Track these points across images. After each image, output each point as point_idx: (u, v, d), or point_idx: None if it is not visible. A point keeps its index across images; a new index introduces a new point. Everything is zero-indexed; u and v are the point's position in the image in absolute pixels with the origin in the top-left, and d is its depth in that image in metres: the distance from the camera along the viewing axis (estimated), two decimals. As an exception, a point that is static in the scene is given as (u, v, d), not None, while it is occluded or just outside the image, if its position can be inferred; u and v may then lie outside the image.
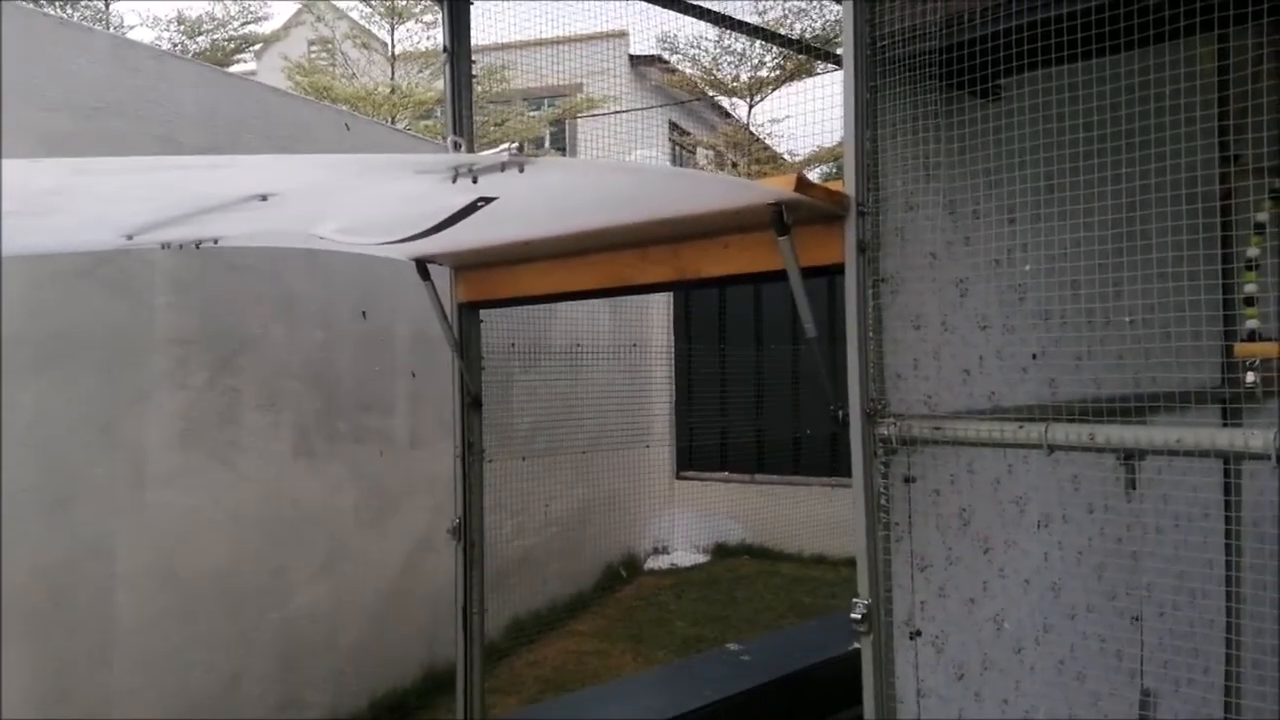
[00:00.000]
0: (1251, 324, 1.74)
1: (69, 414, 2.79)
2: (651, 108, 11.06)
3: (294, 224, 1.83)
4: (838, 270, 1.75)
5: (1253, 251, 1.79)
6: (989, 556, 2.06)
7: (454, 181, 1.29)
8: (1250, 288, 1.78)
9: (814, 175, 10.50)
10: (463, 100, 2.57)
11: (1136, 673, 2.61)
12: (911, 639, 1.82)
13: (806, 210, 1.70)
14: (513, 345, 2.90)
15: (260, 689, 3.43)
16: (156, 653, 3.03)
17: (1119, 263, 2.30)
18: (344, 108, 10.23)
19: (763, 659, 3.67)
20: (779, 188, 1.62)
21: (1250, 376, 1.73)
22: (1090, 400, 2.38)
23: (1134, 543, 2.63)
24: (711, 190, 1.66)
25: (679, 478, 7.11)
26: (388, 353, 4.10)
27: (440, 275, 2.56)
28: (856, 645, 3.97)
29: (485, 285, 2.50)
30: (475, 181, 1.29)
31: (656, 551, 6.95)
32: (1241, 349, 1.74)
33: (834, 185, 1.72)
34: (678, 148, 12.27)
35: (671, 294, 6.69)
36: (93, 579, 2.87)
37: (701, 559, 6.97)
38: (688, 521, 6.98)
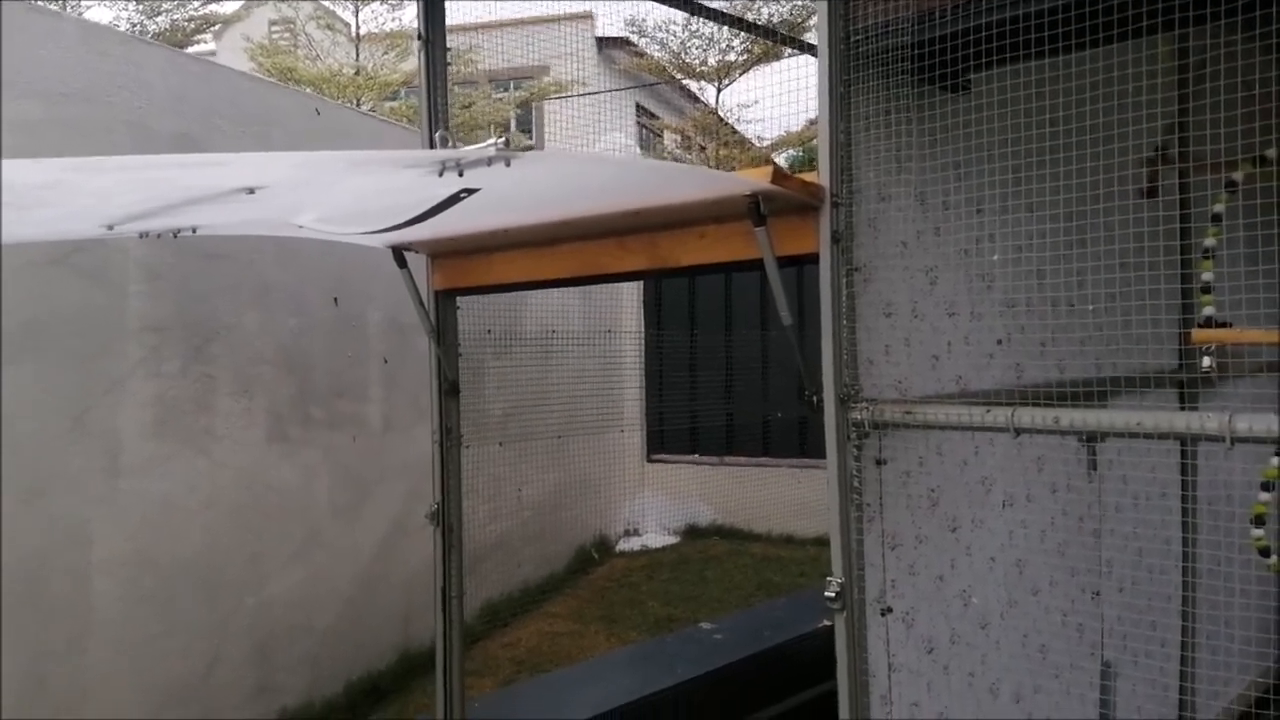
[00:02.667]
0: (1208, 311, 1.82)
1: (43, 403, 2.78)
2: (619, 90, 11.05)
3: (275, 214, 1.84)
4: (812, 260, 1.80)
5: (1209, 241, 1.87)
6: (956, 535, 2.13)
7: (440, 175, 1.32)
8: (1207, 276, 1.85)
9: (782, 159, 10.56)
10: (438, 90, 2.58)
11: (1097, 645, 2.70)
12: (883, 615, 1.88)
13: (782, 201, 1.74)
14: (489, 331, 2.92)
15: (236, 674, 3.45)
16: (132, 639, 3.04)
17: (1082, 253, 2.38)
18: (309, 90, 10.13)
19: (734, 637, 3.73)
20: (756, 179, 1.66)
21: (1206, 361, 1.81)
22: (1054, 384, 2.46)
23: (1094, 521, 2.72)
24: (690, 181, 1.70)
25: (650, 461, 7.17)
26: (360, 339, 4.10)
27: (416, 263, 2.58)
28: (826, 622, 4.05)
29: (462, 273, 2.53)
30: (461, 175, 1.32)
31: (628, 533, 7.02)
32: (1198, 334, 1.81)
33: (809, 176, 1.76)
34: (645, 131, 12.27)
35: (642, 280, 6.73)
36: (69, 567, 2.87)
37: (672, 540, 7.04)
38: (659, 504, 7.05)
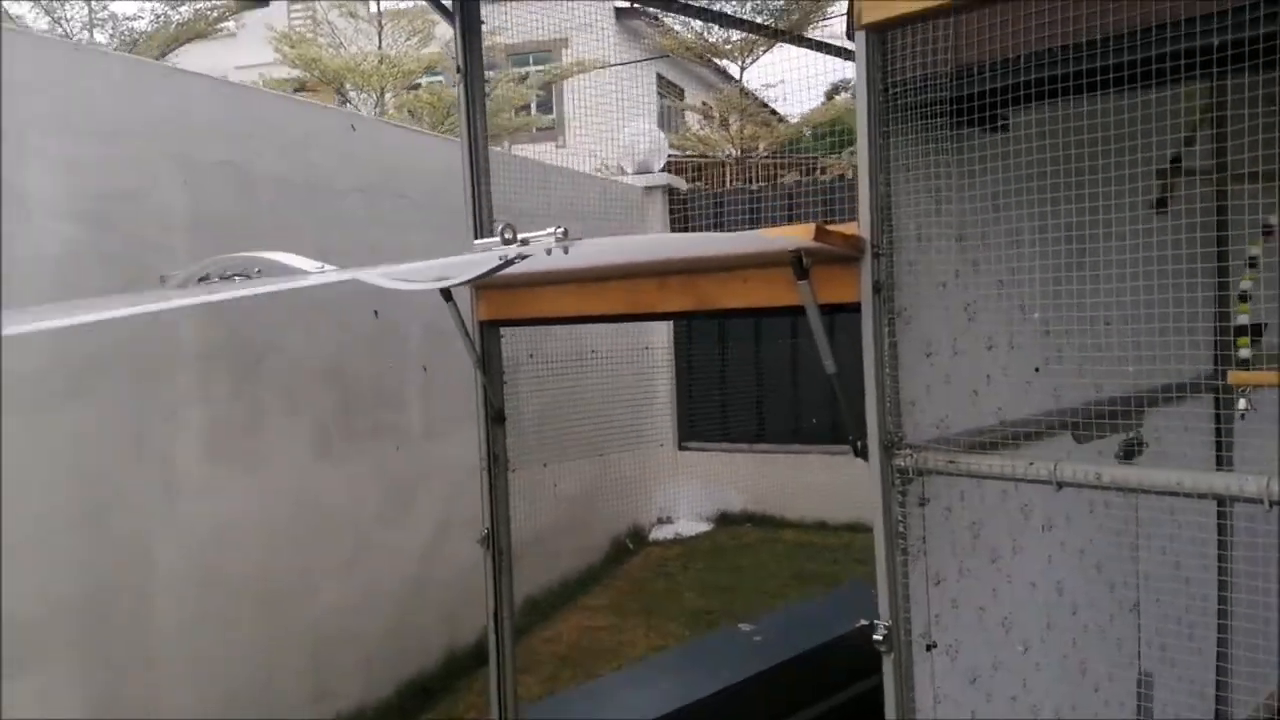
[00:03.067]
0: (1244, 354, 1.84)
1: (104, 432, 2.88)
2: (640, 61, 10.99)
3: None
4: (854, 309, 1.84)
5: (1245, 284, 1.89)
6: (997, 565, 2.18)
7: (500, 259, 1.37)
8: (1242, 318, 1.88)
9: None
10: (478, 120, 2.63)
11: (1135, 657, 2.75)
12: (928, 650, 1.94)
13: (824, 253, 1.78)
14: (530, 357, 2.99)
15: (294, 682, 3.57)
16: (195, 653, 3.16)
17: (1121, 273, 2.41)
18: (334, 84, 10.18)
19: (774, 639, 3.80)
20: (799, 237, 1.71)
21: (1242, 403, 1.84)
22: (1092, 403, 2.50)
23: (1131, 535, 2.76)
24: (737, 245, 1.74)
25: (681, 448, 7.23)
26: (400, 348, 4.18)
27: (461, 293, 2.64)
28: (863, 622, 4.12)
29: (506, 305, 2.58)
30: (521, 259, 1.37)
31: (661, 522, 7.11)
32: (1235, 377, 1.84)
33: (849, 229, 1.80)
34: (669, 109, 12.23)
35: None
36: (134, 586, 2.98)
37: (705, 528, 7.13)
38: (691, 492, 7.13)
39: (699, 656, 3.70)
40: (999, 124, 1.95)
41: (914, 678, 1.87)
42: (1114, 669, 2.63)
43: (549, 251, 1.33)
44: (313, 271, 1.39)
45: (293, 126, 3.54)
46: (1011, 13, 1.68)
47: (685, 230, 6.73)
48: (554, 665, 4.67)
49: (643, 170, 7.07)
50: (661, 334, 6.55)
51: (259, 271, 2.07)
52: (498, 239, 1.36)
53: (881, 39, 1.78)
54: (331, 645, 3.75)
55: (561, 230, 1.34)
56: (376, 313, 4.02)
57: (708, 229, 6.54)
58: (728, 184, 10.43)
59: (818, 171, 9.28)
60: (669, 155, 7.34)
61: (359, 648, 3.92)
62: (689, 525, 7.10)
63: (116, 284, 2.87)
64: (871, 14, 1.74)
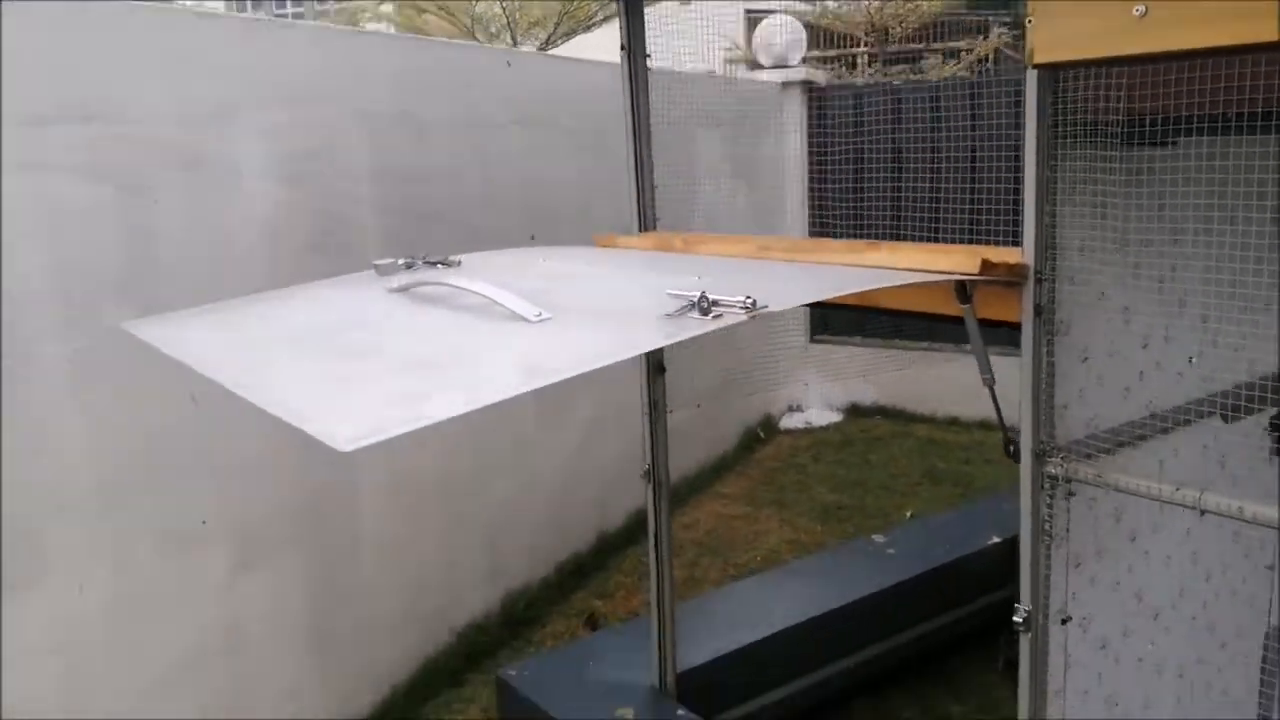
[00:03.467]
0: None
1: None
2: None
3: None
4: (1014, 327, 1.96)
5: None
6: (1135, 543, 2.33)
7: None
8: None
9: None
10: (640, 96, 2.76)
11: (1264, 613, 2.87)
12: (1063, 624, 2.14)
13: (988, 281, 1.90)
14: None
15: (472, 565, 4.05)
16: (393, 542, 3.62)
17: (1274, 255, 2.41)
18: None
19: (906, 551, 4.05)
20: (965, 268, 1.83)
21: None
22: (1243, 386, 2.54)
23: (1274, 499, 2.82)
24: (909, 279, 1.86)
25: (813, 341, 7.35)
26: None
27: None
28: (995, 539, 4.31)
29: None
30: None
31: (791, 410, 7.33)
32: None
33: (1013, 257, 1.90)
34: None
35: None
36: (340, 491, 3.41)
37: (836, 418, 7.33)
38: (822, 381, 7.27)
39: (835, 566, 3.98)
40: (1168, 142, 1.97)
41: (1049, 650, 2.08)
42: (1242, 625, 2.77)
43: (744, 316, 1.51)
44: (531, 319, 1.59)
45: (457, 70, 3.71)
46: (1181, 74, 1.70)
47: (823, 129, 6.63)
48: (694, 552, 5.06)
49: (779, 64, 6.94)
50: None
51: (459, 262, 2.31)
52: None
53: (1053, 77, 1.82)
54: (501, 532, 4.20)
55: (750, 300, 1.51)
56: (533, 237, 4.26)
57: (846, 127, 6.42)
58: (862, 72, 10.04)
59: (961, 55, 8.85)
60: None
61: (524, 534, 4.37)
62: (819, 415, 7.32)
63: (315, 234, 3.18)
64: (1044, 55, 1.78)
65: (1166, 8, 1.65)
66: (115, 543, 2.61)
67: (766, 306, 1.53)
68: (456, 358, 1.46)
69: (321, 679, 3.30)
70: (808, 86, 6.73)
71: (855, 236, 6.85)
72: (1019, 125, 1.93)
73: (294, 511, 3.13)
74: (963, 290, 1.88)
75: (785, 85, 6.71)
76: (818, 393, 7.32)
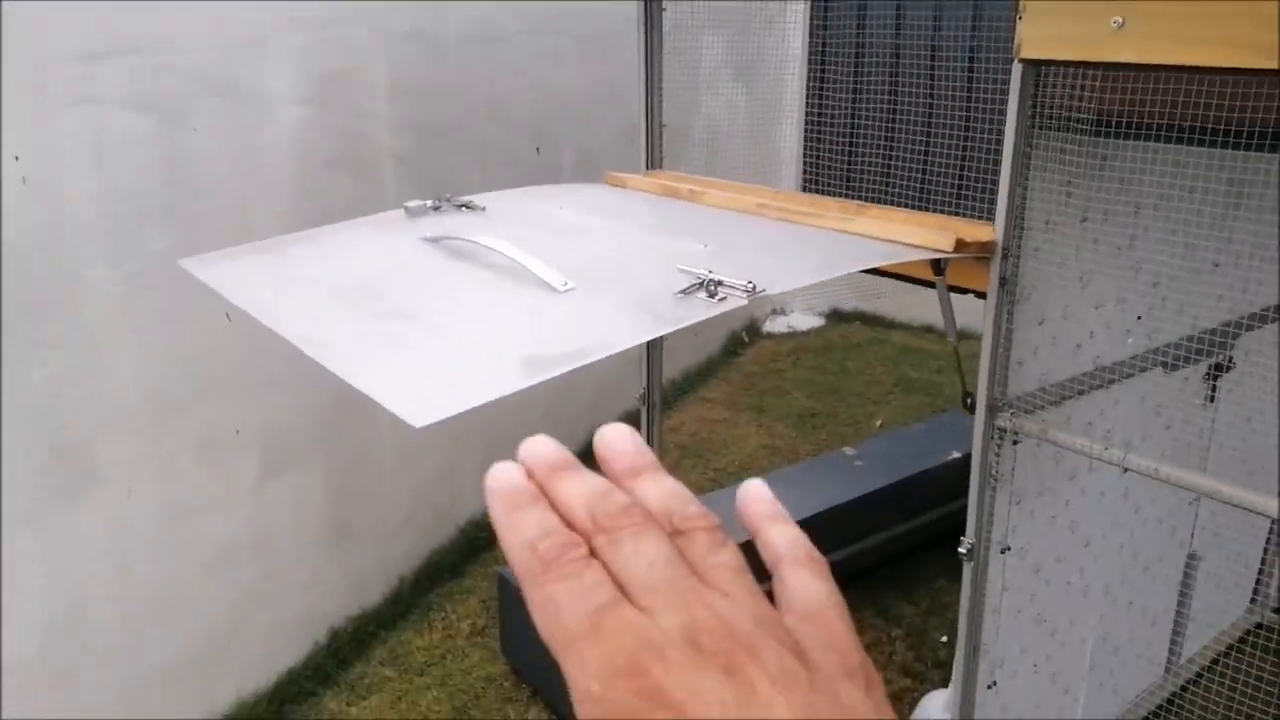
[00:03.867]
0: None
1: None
2: None
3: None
4: (980, 294, 2.20)
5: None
6: (1074, 480, 2.63)
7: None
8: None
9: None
10: (654, 41, 2.90)
11: (1186, 543, 3.22)
12: (1002, 553, 2.46)
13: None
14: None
15: (472, 468, 4.34)
16: (402, 451, 3.90)
17: (1233, 214, 2.66)
18: None
19: (873, 465, 4.38)
20: (941, 245, 2.06)
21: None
22: (1184, 338, 2.81)
23: (1205, 441, 3.14)
24: (884, 255, 2.09)
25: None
26: (555, 177, 4.59)
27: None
28: (955, 454, 4.65)
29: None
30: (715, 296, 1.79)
31: (775, 313, 7.58)
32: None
33: (985, 234, 2.13)
34: None
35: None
36: (361, 417, 3.66)
37: (817, 323, 7.60)
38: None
39: (808, 477, 4.31)
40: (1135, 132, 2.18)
41: (987, 576, 2.40)
42: (1165, 551, 3.12)
43: (746, 298, 1.75)
44: (559, 289, 1.82)
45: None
46: (1152, 83, 1.90)
47: (824, 38, 6.65)
48: (677, 454, 5.39)
49: (788, -40, 6.90)
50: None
51: (484, 208, 2.51)
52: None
53: (1036, 71, 2.01)
54: (500, 434, 4.46)
55: (751, 284, 1.75)
56: (539, 150, 4.41)
57: (848, 36, 6.45)
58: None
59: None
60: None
61: (522, 435, 4.60)
62: (802, 319, 7.58)
63: (335, 151, 3.34)
64: (1030, 51, 1.97)
65: (1142, 23, 1.84)
66: (159, 452, 2.86)
67: (765, 291, 1.77)
68: (501, 330, 1.69)
69: (339, 572, 3.63)
70: (808, -11, 6.72)
71: (850, 144, 6.98)
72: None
73: (316, 420, 3.39)
74: (936, 263, 2.11)
75: (788, -11, 6.71)
76: (801, 296, 7.56)
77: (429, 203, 2.52)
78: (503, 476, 0.36)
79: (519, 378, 1.49)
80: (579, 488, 0.36)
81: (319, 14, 3.17)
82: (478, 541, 4.28)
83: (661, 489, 0.37)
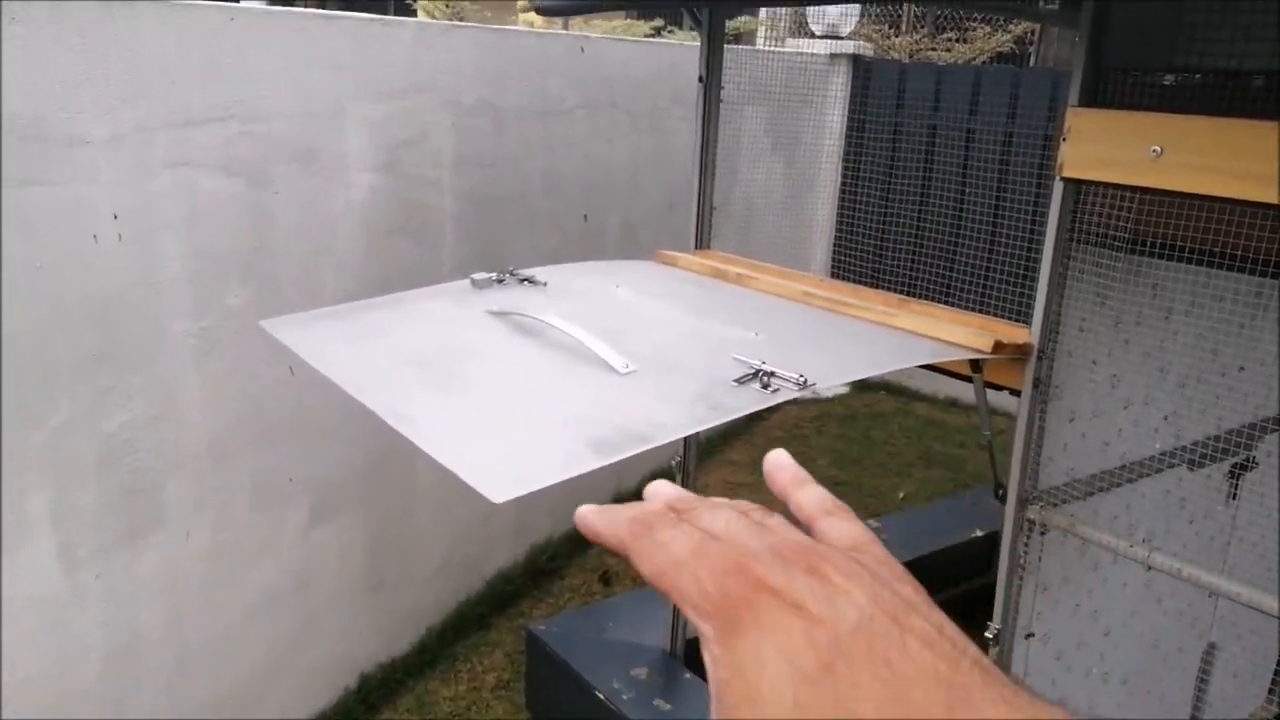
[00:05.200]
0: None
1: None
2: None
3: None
4: (1015, 392, 2.32)
5: (1351, 420, 2.26)
6: (1098, 572, 2.72)
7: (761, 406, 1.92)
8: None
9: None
10: (711, 124, 3.06)
11: (1206, 633, 3.28)
12: (1026, 639, 2.54)
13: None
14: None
15: (503, 521, 4.46)
16: (441, 503, 4.02)
17: (1261, 319, 2.76)
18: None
19: (895, 538, 4.46)
20: (980, 345, 2.18)
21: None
22: (1210, 438, 2.91)
23: (1225, 537, 3.21)
24: (924, 350, 2.21)
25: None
26: (600, 245, 4.76)
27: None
28: (976, 533, 4.71)
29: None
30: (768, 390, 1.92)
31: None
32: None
33: (1021, 337, 2.25)
34: None
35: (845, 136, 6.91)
36: (400, 458, 3.79)
37: (842, 390, 7.70)
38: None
39: (831, 547, 4.39)
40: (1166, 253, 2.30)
41: (1011, 661, 2.48)
42: (1184, 642, 3.18)
43: (799, 390, 1.87)
44: (621, 371, 1.95)
45: (536, 59, 4.00)
46: (1186, 208, 2.03)
47: (864, 103, 6.85)
48: (701, 516, 5.47)
49: (830, 35, 7.12)
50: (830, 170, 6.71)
51: (545, 283, 2.65)
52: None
53: (1076, 190, 2.15)
54: (536, 500, 4.59)
55: (802, 378, 1.87)
56: (586, 217, 4.58)
57: (890, 101, 6.66)
58: (909, 31, 10.18)
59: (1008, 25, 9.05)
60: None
61: (549, 492, 4.76)
62: (827, 387, 7.67)
63: (400, 217, 3.51)
64: (1071, 170, 2.11)
65: (1179, 154, 1.98)
66: (218, 497, 3.00)
67: (815, 385, 1.89)
68: (567, 411, 1.82)
69: (371, 620, 3.73)
70: (855, 60, 6.89)
71: (883, 219, 7.11)
72: (1051, 119, 2.23)
73: (363, 471, 3.52)
74: (975, 361, 2.23)
75: (833, 58, 6.90)
76: (827, 366, 7.64)
77: (493, 275, 2.67)
78: (786, 457, 0.48)
79: (587, 460, 1.62)
80: (666, 490, 0.46)
81: (395, 85, 3.36)
82: (504, 595, 4.38)
83: (814, 493, 0.47)
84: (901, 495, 5.90)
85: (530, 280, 2.70)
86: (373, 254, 3.37)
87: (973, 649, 0.35)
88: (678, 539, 0.39)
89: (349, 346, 2.20)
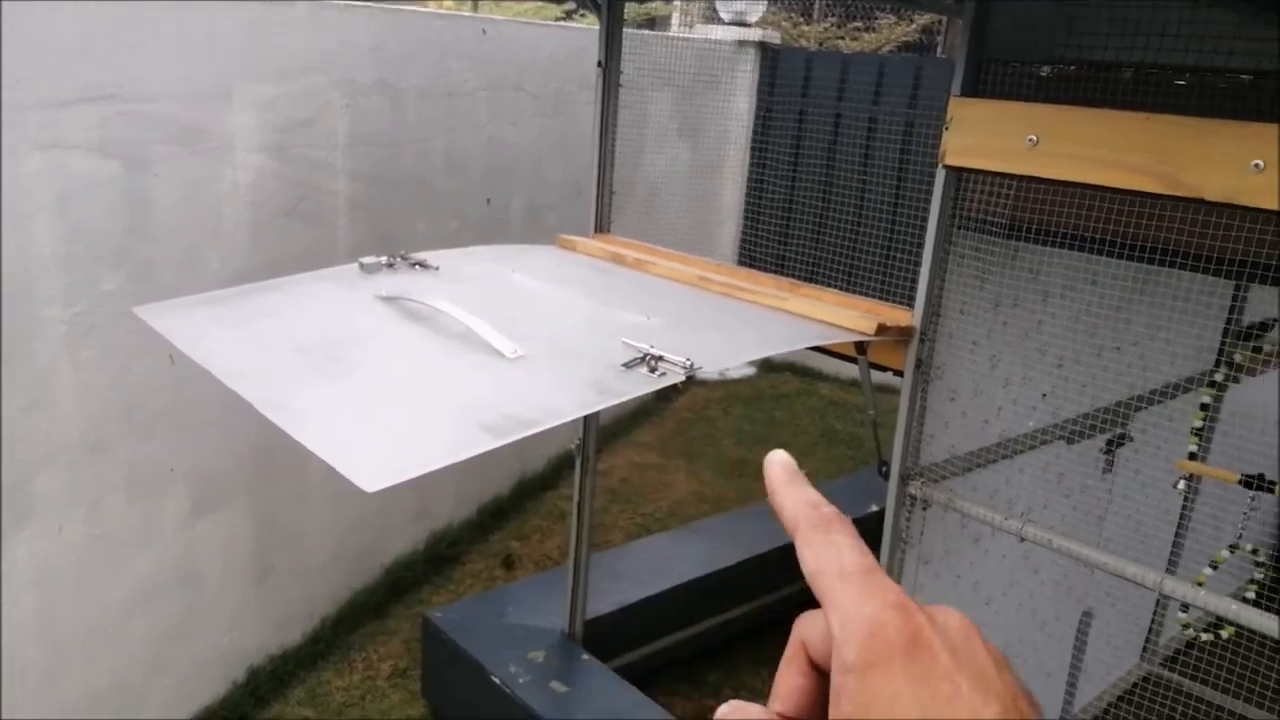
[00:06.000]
0: (1191, 447, 2.38)
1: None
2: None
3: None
4: (898, 372, 2.38)
5: (1205, 399, 2.39)
6: (979, 544, 2.83)
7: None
8: (1196, 422, 2.40)
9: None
10: (610, 110, 3.06)
11: (1082, 600, 3.45)
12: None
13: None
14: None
15: (401, 508, 4.40)
16: (334, 491, 3.94)
17: (1135, 301, 2.91)
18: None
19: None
20: (863, 330, 2.23)
21: (1181, 484, 2.40)
22: (1085, 416, 3.04)
23: (1101, 509, 3.37)
24: (819, 339, 2.26)
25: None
26: (503, 229, 4.72)
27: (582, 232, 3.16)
28: (874, 507, 4.85)
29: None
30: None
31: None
32: (1181, 465, 2.39)
33: (903, 319, 2.31)
34: None
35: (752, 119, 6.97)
36: (291, 453, 3.69)
37: (749, 371, 7.81)
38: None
39: (731, 527, 4.46)
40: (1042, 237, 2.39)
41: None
42: (1061, 609, 3.33)
43: (683, 379, 1.89)
44: (509, 356, 1.94)
45: (435, 39, 3.93)
46: (1058, 197, 2.11)
47: (772, 90, 6.92)
48: (606, 498, 5.50)
49: (737, 21, 7.16)
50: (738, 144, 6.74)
51: (437, 267, 2.62)
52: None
53: (957, 177, 2.21)
54: (430, 478, 4.54)
55: (689, 361, 1.89)
56: (489, 200, 4.53)
57: (796, 88, 6.73)
58: (819, 20, 10.30)
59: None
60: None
61: (451, 477, 4.73)
62: (734, 368, 7.78)
63: (291, 200, 3.42)
64: (953, 159, 2.17)
65: (1054, 144, 2.05)
66: (92, 488, 2.88)
67: (702, 368, 1.91)
68: (450, 398, 1.80)
69: (260, 611, 3.64)
70: (762, 47, 6.93)
71: (789, 205, 7.20)
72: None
73: (250, 460, 3.43)
74: (860, 344, 2.29)
75: (740, 44, 6.94)
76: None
77: (383, 259, 2.62)
78: (784, 455, 0.46)
79: (468, 446, 1.61)
80: (793, 465, 0.46)
81: (287, 65, 3.26)
82: (403, 582, 4.33)
83: (803, 495, 0.44)
84: (804, 473, 6.02)
85: (422, 264, 2.66)
86: (261, 237, 3.27)
87: None
88: (852, 550, 0.39)
89: (227, 333, 2.14)
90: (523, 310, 2.33)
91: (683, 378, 1.88)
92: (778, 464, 0.46)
